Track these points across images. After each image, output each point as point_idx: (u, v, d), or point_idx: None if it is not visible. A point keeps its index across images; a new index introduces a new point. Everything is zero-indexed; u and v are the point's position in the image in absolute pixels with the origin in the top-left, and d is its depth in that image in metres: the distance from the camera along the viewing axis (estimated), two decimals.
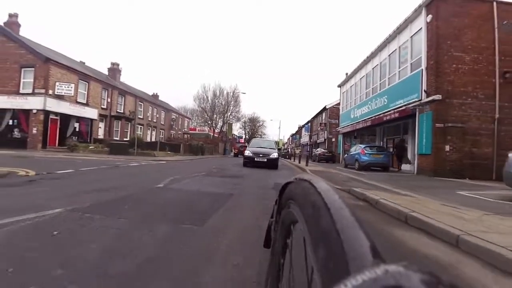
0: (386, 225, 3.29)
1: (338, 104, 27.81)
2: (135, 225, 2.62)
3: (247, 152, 12.64)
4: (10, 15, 20.01)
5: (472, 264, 2.15)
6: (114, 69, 29.03)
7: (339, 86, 26.41)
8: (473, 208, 4.11)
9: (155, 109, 35.59)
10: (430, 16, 11.81)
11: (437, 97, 11.06)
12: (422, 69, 12.10)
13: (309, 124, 43.74)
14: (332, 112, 30.58)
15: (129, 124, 28.41)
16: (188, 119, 50.73)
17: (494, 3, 11.54)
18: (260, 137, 46.11)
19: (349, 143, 23.66)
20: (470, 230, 2.69)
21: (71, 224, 2.54)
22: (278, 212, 0.55)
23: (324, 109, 32.73)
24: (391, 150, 15.92)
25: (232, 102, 38.94)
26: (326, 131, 31.65)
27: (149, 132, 33.62)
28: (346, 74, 24.48)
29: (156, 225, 2.63)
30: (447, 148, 10.81)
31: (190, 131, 47.59)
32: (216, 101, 38.51)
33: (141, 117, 31.42)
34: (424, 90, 11.73)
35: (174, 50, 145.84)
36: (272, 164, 12.11)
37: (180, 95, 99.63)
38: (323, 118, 33.32)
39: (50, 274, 1.55)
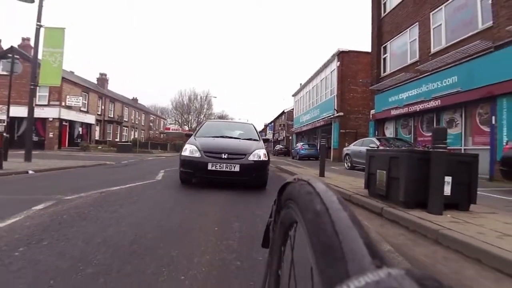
0: (284, 175, 9.80)
1: (293, 109, 34.89)
2: None
3: (189, 150, 5.12)
4: (23, 39, 24.10)
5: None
6: (103, 79, 33.44)
7: (293, 95, 33.45)
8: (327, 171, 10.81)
9: (136, 112, 40.23)
10: (338, 62, 18.90)
11: (341, 113, 18.19)
12: (334, 95, 19.21)
13: (273, 123, 50.79)
14: (289, 115, 37.65)
15: (118, 126, 33.16)
16: (164, 119, 55.35)
17: None
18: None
19: (300, 141, 30.79)
20: (306, 173, 9.29)
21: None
22: (277, 212, 0.54)
23: (283, 112, 39.81)
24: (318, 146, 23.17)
25: (206, 106, 44.59)
26: (284, 131, 38.74)
27: (132, 133, 38.29)
28: (300, 84, 31.45)
29: None
30: (346, 144, 17.93)
31: (166, 131, 52.46)
32: (191, 105, 43.91)
33: (126, 120, 36.10)
34: (335, 109, 18.84)
35: (139, 47, 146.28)
36: (256, 177, 5.07)
37: (148, 91, 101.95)
38: (282, 119, 40.41)
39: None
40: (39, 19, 10.34)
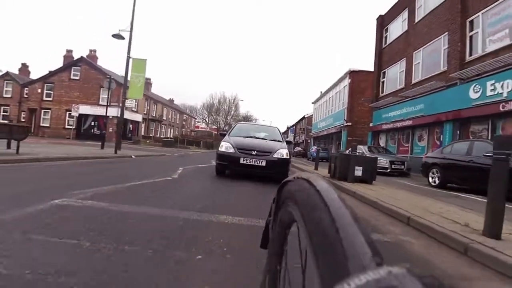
0: (293, 169, 13.70)
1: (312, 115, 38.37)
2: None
3: (225, 146, 6.31)
4: (91, 51, 29.66)
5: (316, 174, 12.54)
6: (147, 83, 38.82)
7: (313, 103, 36.95)
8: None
9: (172, 112, 45.51)
10: (349, 80, 22.36)
11: (349, 123, 21.67)
12: (345, 107, 22.69)
13: (294, 127, 54.38)
14: (308, 120, 41.15)
15: (159, 124, 38.44)
16: (194, 118, 60.70)
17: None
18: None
19: (316, 145, 34.26)
20: (308, 170, 13.15)
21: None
22: (276, 211, 0.53)
23: (303, 117, 43.36)
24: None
25: (233, 108, 49.17)
26: (304, 134, 42.26)
27: (169, 130, 43.55)
28: (321, 92, 34.87)
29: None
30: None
31: (196, 129, 57.77)
32: (220, 107, 48.65)
33: (165, 118, 41.36)
34: (344, 119, 22.33)
35: (170, 49, 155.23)
36: (279, 172, 6.08)
37: (179, 91, 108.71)
38: (303, 124, 43.95)
39: None
40: (128, 52, 14.89)
